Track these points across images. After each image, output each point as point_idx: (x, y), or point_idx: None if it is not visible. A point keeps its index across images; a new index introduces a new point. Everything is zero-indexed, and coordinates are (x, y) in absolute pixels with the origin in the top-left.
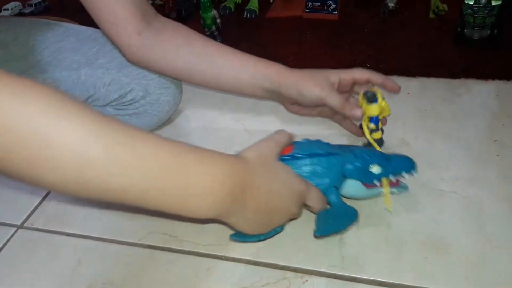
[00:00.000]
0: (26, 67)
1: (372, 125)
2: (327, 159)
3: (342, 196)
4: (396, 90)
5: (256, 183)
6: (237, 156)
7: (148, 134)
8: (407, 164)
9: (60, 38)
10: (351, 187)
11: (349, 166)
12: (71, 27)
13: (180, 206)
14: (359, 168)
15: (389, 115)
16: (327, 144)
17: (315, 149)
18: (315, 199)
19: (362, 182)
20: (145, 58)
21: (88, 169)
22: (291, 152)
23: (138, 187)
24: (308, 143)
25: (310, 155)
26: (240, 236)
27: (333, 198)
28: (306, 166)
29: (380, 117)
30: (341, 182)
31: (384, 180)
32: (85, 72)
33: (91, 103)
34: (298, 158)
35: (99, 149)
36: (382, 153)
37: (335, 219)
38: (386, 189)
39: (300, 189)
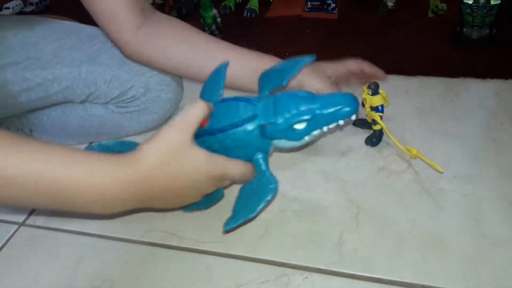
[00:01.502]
0: (27, 64)
1: (380, 114)
2: (242, 129)
3: (282, 148)
4: (383, 78)
5: (154, 184)
6: (131, 160)
7: (37, 147)
8: (342, 109)
9: (61, 36)
10: (282, 142)
11: (270, 130)
12: (72, 25)
13: (81, 209)
14: (281, 129)
15: (387, 106)
16: (248, 101)
17: (231, 116)
18: (237, 175)
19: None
20: (145, 53)
21: None
22: (205, 125)
23: (31, 199)
24: (225, 108)
25: (222, 129)
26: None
27: (260, 164)
28: (216, 144)
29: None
30: (267, 145)
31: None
32: (86, 68)
33: (92, 101)
34: (209, 134)
35: None
36: (311, 100)
37: (247, 201)
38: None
39: (213, 175)
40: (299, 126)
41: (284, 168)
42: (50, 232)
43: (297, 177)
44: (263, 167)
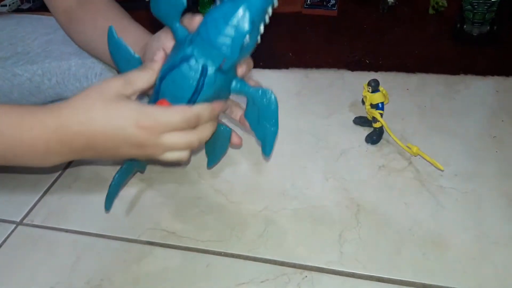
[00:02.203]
0: (16, 59)
1: (380, 111)
2: (178, 70)
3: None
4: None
5: (81, 130)
6: (58, 108)
7: None
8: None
9: (49, 31)
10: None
11: (226, 65)
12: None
13: (19, 163)
14: (236, 58)
15: (387, 103)
16: (186, 58)
17: (173, 59)
18: (173, 121)
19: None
20: (74, 37)
21: None
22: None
23: None
24: (176, 79)
25: (161, 77)
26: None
27: (243, 89)
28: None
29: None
30: (230, 78)
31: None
32: (75, 62)
33: None
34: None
35: None
36: (233, 9)
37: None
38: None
39: (143, 124)
40: (247, 42)
41: (284, 166)
42: (48, 231)
43: (297, 175)
44: (249, 89)
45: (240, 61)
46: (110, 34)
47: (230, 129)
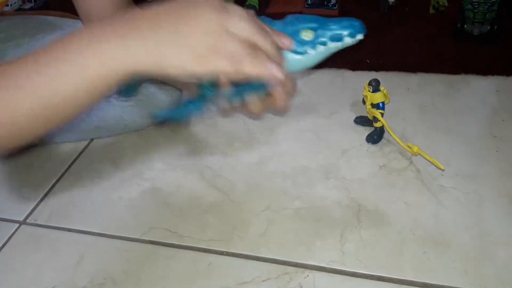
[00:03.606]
0: None
1: (381, 111)
2: None
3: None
4: None
5: (142, 14)
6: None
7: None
8: (350, 26)
9: (67, 30)
10: (287, 57)
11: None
12: (78, 26)
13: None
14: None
15: (388, 103)
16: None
17: None
18: (240, 16)
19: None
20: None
21: None
22: None
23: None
24: None
25: None
26: (162, 114)
27: None
28: None
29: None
30: None
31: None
32: None
33: None
34: None
35: None
36: (319, 17)
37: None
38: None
39: (215, 4)
40: (306, 37)
41: (285, 166)
42: (51, 231)
43: (298, 175)
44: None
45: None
46: None
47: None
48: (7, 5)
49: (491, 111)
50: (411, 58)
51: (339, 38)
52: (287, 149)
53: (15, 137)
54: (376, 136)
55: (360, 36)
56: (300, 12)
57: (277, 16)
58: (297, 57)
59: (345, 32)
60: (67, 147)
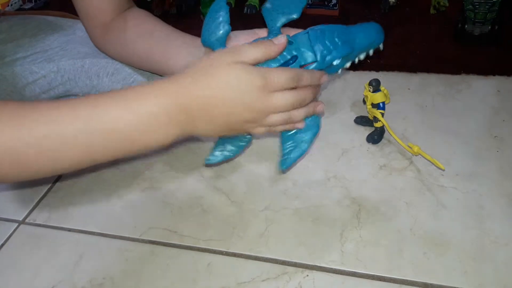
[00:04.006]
0: (35, 57)
1: (381, 111)
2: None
3: None
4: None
5: (194, 94)
6: (167, 80)
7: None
8: (371, 39)
9: (68, 33)
10: None
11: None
12: (79, 26)
13: (143, 147)
14: (320, 68)
15: (388, 103)
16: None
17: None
18: (282, 78)
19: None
20: (110, 49)
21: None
22: None
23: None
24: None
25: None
26: (212, 159)
27: None
28: None
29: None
30: None
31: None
32: (89, 61)
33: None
34: None
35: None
36: (346, 34)
37: (293, 138)
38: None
39: (256, 83)
40: (337, 62)
41: None
42: (50, 230)
43: (298, 174)
44: None
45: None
46: (222, 3)
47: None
48: (8, 5)
49: (492, 111)
50: (411, 58)
51: (365, 51)
52: None
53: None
54: (376, 136)
55: (381, 46)
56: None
57: None
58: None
59: (371, 46)
60: None
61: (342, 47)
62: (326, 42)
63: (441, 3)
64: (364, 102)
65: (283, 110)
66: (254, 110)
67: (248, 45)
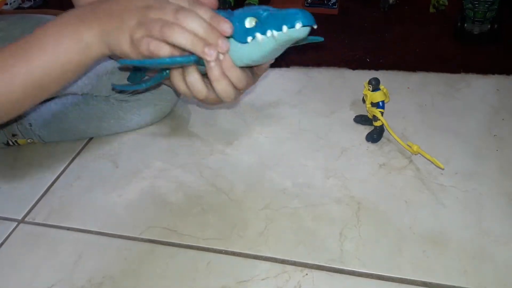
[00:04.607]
0: None
1: (381, 110)
2: None
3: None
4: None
5: (103, 2)
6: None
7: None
8: (293, 17)
9: None
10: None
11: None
12: None
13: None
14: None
15: (388, 102)
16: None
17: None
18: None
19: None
20: None
21: None
22: None
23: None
24: None
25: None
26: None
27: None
28: None
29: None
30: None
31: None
32: None
33: (93, 94)
34: None
35: None
36: (272, 8)
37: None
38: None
39: None
40: (248, 24)
41: (285, 165)
42: (50, 229)
43: (298, 173)
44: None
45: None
46: None
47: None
48: (6, 4)
49: (491, 110)
50: (411, 57)
51: (279, 27)
52: (287, 148)
53: (5, 113)
54: (376, 135)
55: (305, 29)
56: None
57: None
58: (239, 45)
59: (286, 21)
60: (66, 145)
61: (255, 11)
62: (248, 9)
63: (441, 2)
64: (364, 101)
65: (167, 16)
66: (146, 7)
67: None
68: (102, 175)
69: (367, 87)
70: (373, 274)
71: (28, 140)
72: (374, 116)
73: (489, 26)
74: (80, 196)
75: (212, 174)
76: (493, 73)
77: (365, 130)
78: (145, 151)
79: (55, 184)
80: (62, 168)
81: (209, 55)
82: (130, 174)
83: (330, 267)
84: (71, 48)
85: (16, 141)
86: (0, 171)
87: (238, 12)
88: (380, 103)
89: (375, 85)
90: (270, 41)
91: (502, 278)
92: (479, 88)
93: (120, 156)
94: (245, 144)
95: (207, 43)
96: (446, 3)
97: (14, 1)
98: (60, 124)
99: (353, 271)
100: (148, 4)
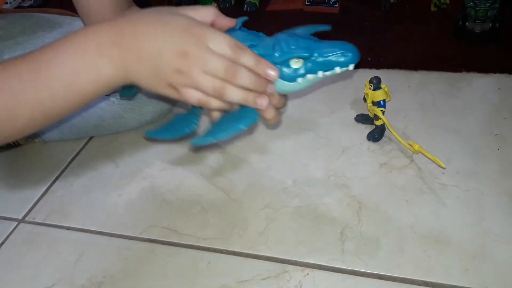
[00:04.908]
0: None
1: (382, 108)
2: None
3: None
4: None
5: (125, 31)
6: (103, 21)
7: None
8: (343, 55)
9: (67, 30)
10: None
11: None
12: (77, 23)
13: (76, 92)
14: (276, 62)
15: (389, 100)
16: (254, 34)
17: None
18: (217, 41)
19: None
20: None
21: None
22: None
23: (36, 99)
24: (239, 34)
25: None
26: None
27: None
28: None
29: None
30: None
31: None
32: None
33: None
34: None
35: None
36: (312, 41)
37: (222, 126)
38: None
39: (191, 30)
40: (295, 65)
41: (285, 164)
42: (50, 229)
43: (299, 173)
44: None
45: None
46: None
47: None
48: (6, 3)
49: (492, 109)
50: (412, 56)
51: (330, 68)
52: (287, 147)
53: (6, 137)
54: (377, 134)
55: (351, 67)
56: (301, 10)
57: (277, 14)
58: (286, 83)
59: (337, 62)
60: (66, 145)
61: (303, 48)
62: (289, 40)
63: (442, 1)
64: (365, 100)
65: (215, 71)
66: (184, 57)
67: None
68: (102, 175)
69: (368, 86)
70: (374, 273)
71: (28, 140)
72: (375, 115)
73: (490, 24)
74: (80, 196)
75: (212, 173)
76: (494, 72)
77: (366, 129)
78: (145, 150)
79: (55, 184)
80: (62, 168)
81: (261, 105)
82: (130, 174)
83: (331, 267)
84: (88, 81)
85: (16, 140)
86: (1, 171)
87: (278, 40)
88: (381, 102)
89: (376, 84)
90: (319, 78)
91: (503, 277)
92: (480, 87)
93: (121, 156)
94: (245, 143)
95: (257, 95)
96: (447, 2)
97: (14, 0)
98: (60, 123)
99: (354, 270)
100: (185, 51)
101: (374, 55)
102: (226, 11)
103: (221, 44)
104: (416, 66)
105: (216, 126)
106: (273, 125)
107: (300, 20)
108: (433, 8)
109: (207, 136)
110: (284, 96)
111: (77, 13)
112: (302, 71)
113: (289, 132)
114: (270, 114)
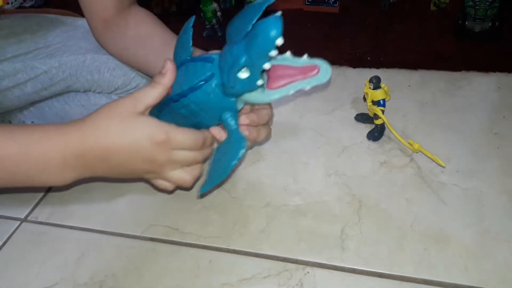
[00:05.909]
0: (36, 53)
1: (381, 108)
2: (202, 92)
3: (255, 102)
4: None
5: (96, 146)
6: (74, 126)
7: None
8: (266, 34)
9: (69, 28)
10: (246, 96)
11: (225, 87)
12: (80, 23)
13: (36, 182)
14: (231, 85)
15: (389, 100)
16: (205, 60)
17: (191, 78)
18: (185, 142)
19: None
20: (108, 47)
21: None
22: (170, 92)
23: None
24: (184, 71)
25: (183, 94)
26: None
27: (228, 124)
28: (182, 109)
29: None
30: (231, 103)
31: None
32: (90, 56)
33: (95, 90)
34: (174, 101)
35: None
36: (240, 41)
37: (219, 163)
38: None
39: (156, 139)
40: (244, 75)
41: (286, 162)
42: (52, 228)
43: (299, 171)
44: (232, 127)
45: (241, 91)
46: (188, 27)
47: (244, 137)
48: (8, 3)
49: (492, 108)
50: (412, 55)
51: (265, 51)
52: (287, 146)
53: None
54: (376, 133)
55: (279, 41)
56: (301, 10)
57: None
58: (254, 94)
59: (266, 44)
60: None
61: (237, 56)
62: (226, 56)
63: (442, 0)
64: (365, 99)
65: (186, 163)
66: (151, 163)
67: (144, 90)
68: None
69: (368, 85)
70: (374, 271)
71: None
72: (375, 114)
73: (490, 24)
74: (82, 195)
75: None
76: (494, 71)
77: (366, 128)
78: None
79: None
80: None
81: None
82: None
83: (331, 265)
84: (51, 181)
85: None
86: None
87: (220, 60)
88: (381, 101)
89: (376, 83)
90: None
91: (503, 275)
92: (480, 86)
93: None
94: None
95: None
96: (447, 1)
97: (16, 0)
98: (61, 121)
99: (354, 269)
100: (152, 158)
101: (374, 54)
102: (227, 11)
103: (183, 144)
104: (415, 65)
105: (213, 168)
106: (264, 141)
107: (300, 20)
108: (432, 8)
109: (210, 183)
110: (268, 110)
111: (78, 13)
112: (248, 74)
113: (289, 131)
114: (252, 134)
